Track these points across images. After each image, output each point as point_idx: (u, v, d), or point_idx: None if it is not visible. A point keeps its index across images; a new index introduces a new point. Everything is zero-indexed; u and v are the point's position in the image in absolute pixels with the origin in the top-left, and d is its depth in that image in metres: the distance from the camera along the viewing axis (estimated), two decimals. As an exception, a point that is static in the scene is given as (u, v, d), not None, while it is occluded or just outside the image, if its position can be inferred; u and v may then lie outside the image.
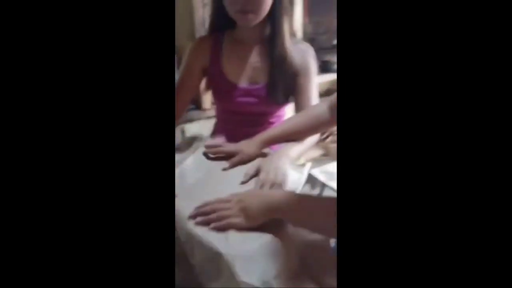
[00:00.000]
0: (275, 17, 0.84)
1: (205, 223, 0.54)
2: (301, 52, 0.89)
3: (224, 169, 0.73)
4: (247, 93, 0.92)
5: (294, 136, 0.81)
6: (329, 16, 2.12)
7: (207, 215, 0.55)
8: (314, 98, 0.91)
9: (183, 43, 1.29)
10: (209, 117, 1.49)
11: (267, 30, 0.88)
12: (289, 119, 0.88)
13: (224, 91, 0.93)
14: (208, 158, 0.77)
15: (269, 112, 0.97)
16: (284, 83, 0.88)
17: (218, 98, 0.98)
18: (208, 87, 1.00)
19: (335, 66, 1.87)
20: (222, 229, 0.53)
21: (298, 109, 0.92)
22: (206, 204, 0.57)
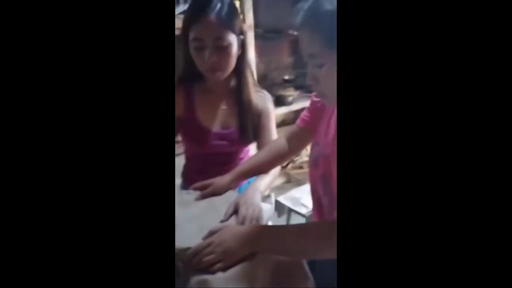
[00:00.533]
0: (240, 71, 0.97)
1: (193, 268, 0.59)
2: (261, 97, 1.03)
3: (196, 199, 0.82)
4: (221, 137, 1.01)
5: (261, 169, 0.92)
6: (278, 53, 2.30)
7: (191, 261, 0.60)
8: (274, 134, 1.04)
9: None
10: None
11: (234, 82, 1.00)
12: (255, 155, 0.99)
13: (198, 136, 1.01)
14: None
15: (239, 150, 1.08)
16: (252, 124, 1.00)
17: (191, 143, 1.05)
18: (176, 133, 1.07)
19: (288, 99, 2.03)
20: (209, 273, 0.58)
21: (261, 145, 1.03)
22: (188, 249, 0.62)
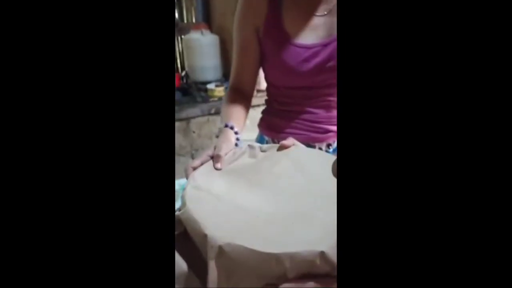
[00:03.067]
0: None
1: None
2: None
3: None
4: (319, 52, 0.69)
5: None
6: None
7: None
8: None
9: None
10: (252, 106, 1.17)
11: None
12: None
13: (285, 53, 0.70)
14: None
15: None
16: None
17: (275, 69, 0.75)
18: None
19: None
20: None
21: None
22: None
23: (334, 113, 0.75)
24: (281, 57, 0.68)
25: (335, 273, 0.35)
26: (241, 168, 0.53)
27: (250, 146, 0.58)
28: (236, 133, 0.60)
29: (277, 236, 0.38)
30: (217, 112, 1.56)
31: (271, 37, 0.69)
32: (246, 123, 0.73)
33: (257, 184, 0.48)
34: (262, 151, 0.58)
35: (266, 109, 0.84)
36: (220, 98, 1.64)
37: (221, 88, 1.67)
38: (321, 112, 0.75)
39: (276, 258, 0.35)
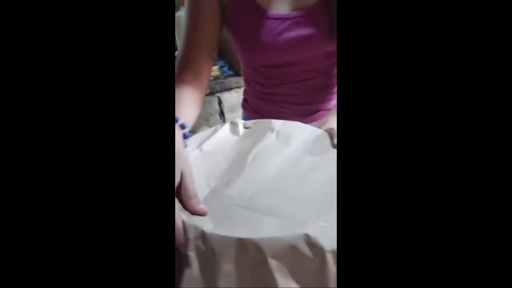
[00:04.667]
0: None
1: None
2: None
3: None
4: (296, 24, 0.62)
5: None
6: None
7: None
8: None
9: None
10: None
11: None
12: None
13: (258, 27, 0.62)
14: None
15: (329, 57, 0.66)
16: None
17: (249, 47, 0.67)
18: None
19: None
20: None
21: None
22: None
23: (319, 91, 0.70)
24: (254, 32, 0.62)
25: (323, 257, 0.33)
26: (222, 149, 0.50)
27: (232, 123, 0.54)
28: (182, 126, 0.48)
29: (257, 221, 0.36)
30: (212, 92, 1.53)
31: (241, 10, 0.62)
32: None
33: (238, 166, 0.46)
34: (246, 127, 0.54)
35: (246, 91, 0.81)
36: (214, 78, 1.47)
37: (216, 67, 1.50)
38: (305, 92, 0.71)
39: (254, 244, 0.34)
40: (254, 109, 0.78)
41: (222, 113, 1.55)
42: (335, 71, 0.72)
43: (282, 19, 0.62)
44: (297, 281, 0.34)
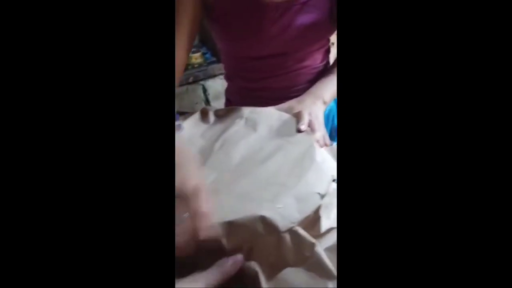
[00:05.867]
0: None
1: None
2: None
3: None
4: (295, 11, 0.59)
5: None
6: None
7: None
8: None
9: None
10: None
11: None
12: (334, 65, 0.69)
13: (249, 13, 0.60)
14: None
15: (320, 48, 0.67)
16: None
17: (236, 36, 0.63)
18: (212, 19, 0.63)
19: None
20: None
21: None
22: None
23: (312, 83, 0.66)
24: (247, 20, 0.60)
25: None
26: (192, 136, 0.51)
27: (203, 111, 0.55)
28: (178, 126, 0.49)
29: (218, 204, 0.36)
30: (196, 81, 1.51)
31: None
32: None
33: (206, 153, 0.46)
34: (217, 115, 0.55)
35: (228, 89, 0.78)
36: (198, 65, 1.47)
37: (198, 54, 1.50)
38: (296, 85, 0.68)
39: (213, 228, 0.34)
40: None
41: (207, 101, 1.54)
42: (325, 61, 0.71)
43: (276, 5, 0.59)
44: (255, 259, 0.35)
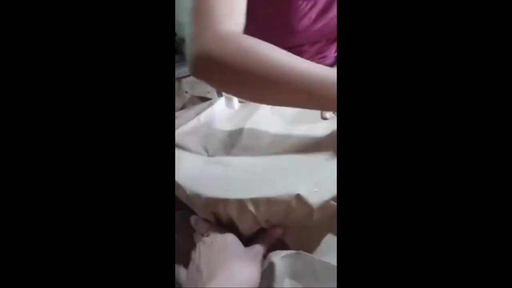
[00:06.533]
0: None
1: None
2: None
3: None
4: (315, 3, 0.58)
5: None
6: None
7: None
8: None
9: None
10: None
11: None
12: None
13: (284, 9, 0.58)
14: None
15: None
16: None
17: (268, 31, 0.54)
18: None
19: None
20: None
21: None
22: None
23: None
24: (281, 14, 0.59)
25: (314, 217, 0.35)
26: (219, 119, 0.52)
27: (227, 98, 0.56)
28: None
29: (254, 184, 0.38)
30: None
31: None
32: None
33: (235, 135, 0.48)
34: (241, 101, 0.56)
35: None
36: (210, 54, 1.47)
37: None
38: None
39: (252, 203, 0.36)
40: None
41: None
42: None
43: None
44: (286, 227, 0.38)
